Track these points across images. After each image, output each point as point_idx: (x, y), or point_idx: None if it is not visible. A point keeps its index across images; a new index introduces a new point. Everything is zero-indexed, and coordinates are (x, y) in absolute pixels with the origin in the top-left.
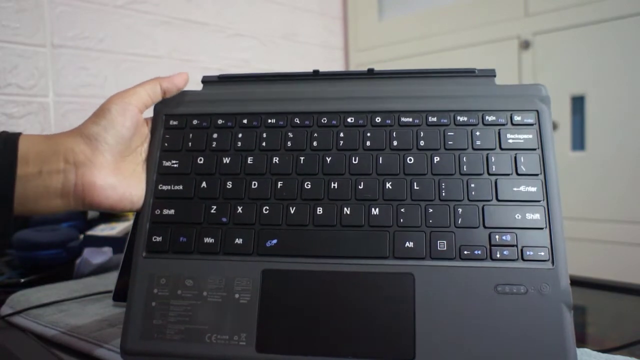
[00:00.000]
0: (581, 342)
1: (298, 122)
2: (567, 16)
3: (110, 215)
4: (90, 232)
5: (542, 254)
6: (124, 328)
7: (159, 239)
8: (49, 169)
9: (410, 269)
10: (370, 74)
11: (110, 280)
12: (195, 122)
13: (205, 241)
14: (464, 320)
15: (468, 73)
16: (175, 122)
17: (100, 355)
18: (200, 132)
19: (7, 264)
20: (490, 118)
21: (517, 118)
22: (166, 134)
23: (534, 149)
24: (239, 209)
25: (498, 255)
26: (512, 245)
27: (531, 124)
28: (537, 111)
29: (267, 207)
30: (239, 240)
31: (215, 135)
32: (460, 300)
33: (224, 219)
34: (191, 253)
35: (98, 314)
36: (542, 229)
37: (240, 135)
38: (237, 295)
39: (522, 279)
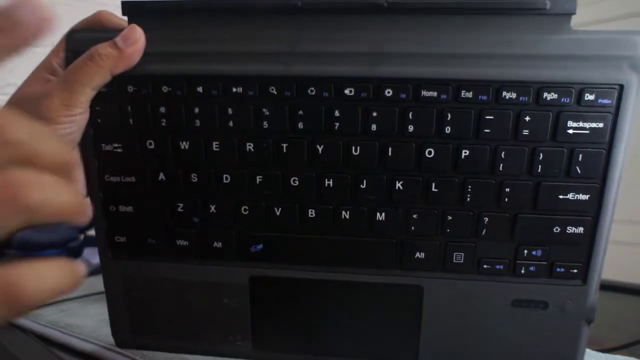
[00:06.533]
0: None
1: (275, 92)
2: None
3: None
4: (90, 232)
5: (575, 271)
6: (111, 325)
7: (122, 239)
8: None
9: (418, 281)
10: (380, 9)
11: None
12: (130, 88)
13: (178, 244)
14: (472, 335)
15: (534, 10)
16: (103, 88)
17: (100, 355)
18: (142, 104)
19: None
20: (549, 96)
21: (588, 97)
22: (94, 104)
23: (601, 144)
24: (212, 208)
25: (522, 271)
26: (542, 261)
27: (607, 106)
28: (622, 86)
29: (246, 207)
30: (218, 244)
31: (162, 110)
32: (471, 315)
33: (196, 220)
34: (164, 255)
35: (98, 314)
36: (581, 244)
37: (196, 110)
38: (225, 300)
39: (544, 296)
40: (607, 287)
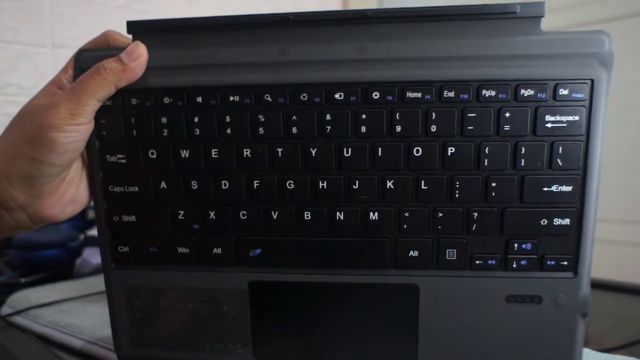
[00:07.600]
0: None
1: (269, 99)
2: (566, 16)
3: None
4: (90, 232)
5: (565, 263)
6: (113, 337)
7: (125, 249)
8: None
9: (414, 280)
10: (364, 19)
11: None
12: (134, 100)
13: (179, 251)
14: (470, 333)
15: (505, 14)
16: (108, 101)
17: (100, 355)
18: (144, 115)
19: (7, 264)
20: (526, 92)
21: (562, 92)
22: (100, 117)
23: (579, 135)
24: (211, 215)
25: (514, 265)
26: (532, 255)
27: (581, 100)
28: (592, 80)
29: (245, 212)
30: (217, 250)
31: (164, 120)
32: (467, 312)
33: (196, 226)
34: (166, 264)
35: (98, 314)
36: (569, 235)
37: (196, 120)
38: (225, 307)
39: (537, 290)
40: (607, 287)
